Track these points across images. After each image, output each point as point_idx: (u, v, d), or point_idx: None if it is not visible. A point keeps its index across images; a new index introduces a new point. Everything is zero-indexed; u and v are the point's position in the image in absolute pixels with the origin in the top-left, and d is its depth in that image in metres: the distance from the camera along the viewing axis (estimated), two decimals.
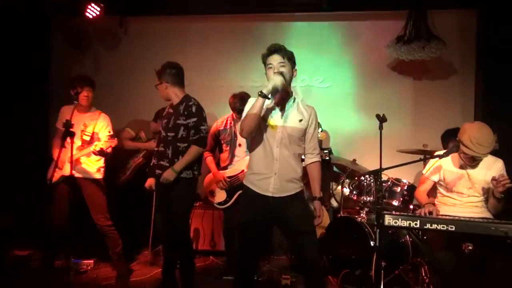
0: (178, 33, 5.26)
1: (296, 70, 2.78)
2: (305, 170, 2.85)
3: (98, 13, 4.79)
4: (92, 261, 4.10)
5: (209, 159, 4.04)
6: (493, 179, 2.99)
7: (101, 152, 3.64)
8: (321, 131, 4.41)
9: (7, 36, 4.68)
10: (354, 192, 4.15)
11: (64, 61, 5.20)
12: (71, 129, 3.26)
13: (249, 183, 2.78)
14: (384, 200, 3.91)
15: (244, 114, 2.72)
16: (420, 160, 3.26)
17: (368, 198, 4.02)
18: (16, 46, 4.75)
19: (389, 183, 4.00)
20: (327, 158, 4.51)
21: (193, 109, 3.33)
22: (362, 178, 4.09)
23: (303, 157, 2.87)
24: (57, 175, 3.66)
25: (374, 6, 4.94)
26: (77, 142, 3.72)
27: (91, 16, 4.78)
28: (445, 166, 3.26)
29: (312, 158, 2.84)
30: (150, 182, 3.53)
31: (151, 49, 5.15)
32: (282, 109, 2.74)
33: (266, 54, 2.74)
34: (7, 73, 4.67)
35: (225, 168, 4.04)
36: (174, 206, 3.34)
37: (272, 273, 3.94)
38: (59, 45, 5.30)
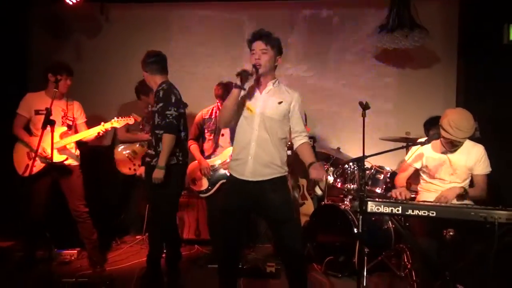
0: (160, 20, 5.18)
1: (280, 57, 2.76)
2: (290, 157, 2.85)
3: None
4: (75, 251, 4.07)
5: (193, 147, 4.02)
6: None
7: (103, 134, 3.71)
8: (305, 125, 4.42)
9: None
10: (338, 180, 4.18)
11: (44, 49, 5.08)
12: (52, 119, 3.21)
13: (231, 169, 2.80)
14: (367, 188, 3.95)
15: None
16: (402, 147, 3.29)
17: (352, 186, 4.05)
18: None
19: (372, 170, 4.04)
20: (312, 145, 4.52)
21: (160, 93, 3.26)
22: (346, 166, 4.12)
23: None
24: (38, 165, 3.60)
25: None
26: (61, 129, 3.70)
27: (71, 3, 4.65)
28: (427, 153, 3.30)
29: (300, 140, 2.82)
30: (141, 170, 3.52)
31: (132, 36, 5.07)
32: (262, 93, 2.74)
33: (250, 39, 2.73)
34: None
35: (209, 157, 4.02)
36: (159, 192, 3.31)
37: (257, 261, 3.95)
38: (38, 32, 5.17)
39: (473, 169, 3.20)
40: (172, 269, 3.43)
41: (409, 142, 3.78)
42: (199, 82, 5.01)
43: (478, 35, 4.57)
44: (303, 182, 4.65)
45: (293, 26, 5.12)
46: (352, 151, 4.64)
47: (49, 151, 3.33)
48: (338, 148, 4.52)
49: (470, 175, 3.23)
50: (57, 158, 3.66)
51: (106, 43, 5.18)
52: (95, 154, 4.56)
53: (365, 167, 3.63)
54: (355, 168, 4.04)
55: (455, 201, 3.08)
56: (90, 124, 3.94)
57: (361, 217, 2.79)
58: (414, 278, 3.46)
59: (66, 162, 3.73)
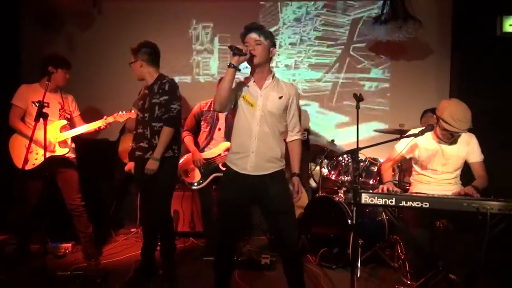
0: (153, 13, 5.12)
1: (275, 49, 2.77)
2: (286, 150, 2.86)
3: None
4: (70, 244, 4.07)
5: (187, 139, 4.02)
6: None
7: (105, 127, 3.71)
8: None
9: None
10: (332, 172, 4.19)
11: (36, 42, 5.03)
12: (49, 111, 3.18)
13: (229, 162, 2.79)
14: (361, 179, 3.97)
15: None
16: (396, 139, 3.30)
17: (346, 178, 4.07)
18: None
19: (366, 162, 4.05)
20: (305, 138, 4.54)
21: (166, 87, 3.27)
22: (340, 158, 4.13)
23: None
24: (39, 158, 3.58)
25: None
26: (61, 122, 3.71)
27: None
28: (421, 143, 3.32)
29: (293, 136, 2.85)
30: (129, 165, 3.51)
31: (125, 29, 5.02)
32: (261, 87, 2.73)
33: (243, 32, 2.72)
34: None
35: (202, 150, 4.02)
36: (155, 185, 3.31)
37: (251, 253, 3.97)
38: (30, 25, 5.11)
39: (468, 158, 3.23)
40: (167, 261, 3.44)
41: (402, 134, 3.80)
42: (193, 76, 4.98)
43: (471, 27, 4.58)
44: None
45: (286, 17, 5.09)
46: (346, 143, 4.66)
47: (53, 144, 3.37)
48: (332, 141, 4.54)
49: (462, 165, 3.27)
50: (60, 151, 3.67)
51: (98, 36, 5.13)
52: (90, 148, 4.54)
53: (359, 159, 3.66)
54: (349, 160, 4.05)
55: (448, 192, 3.10)
56: (83, 117, 3.94)
57: (355, 208, 2.82)
58: (408, 269, 3.51)
59: (66, 155, 3.73)
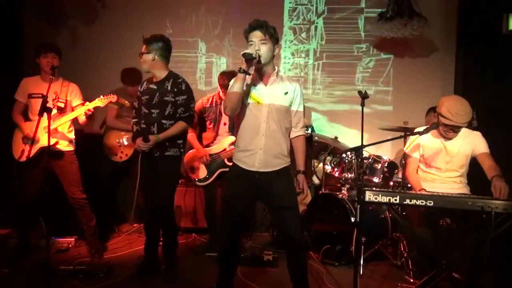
0: (158, 7, 5.11)
1: (278, 46, 2.76)
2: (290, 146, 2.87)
3: None
4: (73, 239, 4.07)
5: (191, 135, 4.00)
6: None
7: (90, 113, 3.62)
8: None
9: None
10: (336, 169, 4.18)
11: (39, 35, 4.99)
12: (47, 105, 3.15)
13: (237, 160, 2.79)
14: (365, 177, 3.97)
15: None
16: (400, 137, 3.29)
17: (349, 175, 4.06)
18: None
19: (370, 160, 4.04)
20: (309, 135, 4.52)
21: (183, 86, 3.28)
22: (344, 155, 4.12)
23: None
24: (32, 150, 3.56)
25: None
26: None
27: None
28: (424, 142, 3.31)
29: (297, 132, 2.85)
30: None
31: (129, 24, 5.00)
32: (267, 84, 2.73)
33: (247, 30, 2.71)
34: None
35: (208, 146, 4.02)
36: (161, 184, 3.31)
37: (254, 250, 3.97)
38: (34, 18, 5.10)
39: (474, 152, 3.19)
40: (169, 257, 3.44)
41: (407, 132, 3.79)
42: (198, 71, 4.97)
43: (477, 25, 4.54)
44: None
45: (294, 13, 5.08)
46: (349, 140, 4.65)
47: (43, 136, 3.27)
48: (336, 138, 4.52)
49: (467, 163, 3.25)
50: (46, 141, 3.57)
51: (102, 29, 5.12)
52: (91, 141, 4.54)
53: (363, 156, 3.65)
54: (353, 158, 4.04)
55: (453, 190, 3.09)
56: None
57: (358, 206, 2.81)
58: (411, 267, 3.51)
59: (58, 146, 3.66)
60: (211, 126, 4.01)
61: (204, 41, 5.16)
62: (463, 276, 3.09)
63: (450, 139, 3.21)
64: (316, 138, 4.68)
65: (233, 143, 3.84)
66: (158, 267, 3.48)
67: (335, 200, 3.90)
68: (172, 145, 3.29)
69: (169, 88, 3.27)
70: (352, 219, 3.68)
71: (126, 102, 3.96)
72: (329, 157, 4.30)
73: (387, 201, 2.78)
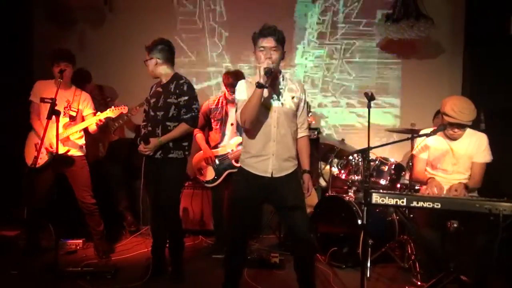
0: (165, 10, 5.14)
1: (285, 52, 2.76)
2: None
3: None
4: (81, 240, 4.09)
5: (199, 137, 4.02)
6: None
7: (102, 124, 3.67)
8: (310, 115, 4.38)
9: None
10: (343, 171, 4.17)
11: (48, 39, 5.05)
12: (56, 108, 3.19)
13: (247, 166, 2.78)
14: (372, 179, 3.95)
15: (237, 100, 2.74)
16: (408, 139, 3.28)
17: (356, 177, 4.04)
18: None
19: (376, 162, 4.03)
20: (316, 137, 4.52)
21: (185, 87, 3.28)
22: (350, 157, 4.11)
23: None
24: (43, 157, 3.61)
25: None
26: (63, 120, 3.66)
27: None
28: (431, 143, 3.30)
29: (301, 132, 2.87)
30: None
31: (137, 27, 5.03)
32: (274, 89, 2.73)
33: (258, 35, 2.67)
34: None
35: (216, 147, 4.03)
36: (165, 187, 3.31)
37: (261, 252, 3.97)
38: (42, 22, 5.15)
39: (473, 156, 3.20)
40: (176, 259, 3.45)
41: (414, 134, 3.77)
42: (206, 73, 5.00)
43: (484, 26, 4.52)
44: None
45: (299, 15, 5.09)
46: (356, 142, 4.64)
47: (54, 143, 3.32)
48: (343, 140, 4.52)
49: (471, 164, 3.23)
50: (60, 149, 3.63)
51: (109, 33, 5.15)
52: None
53: (370, 158, 3.64)
54: (360, 160, 4.03)
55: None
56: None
57: (365, 208, 2.80)
58: (418, 270, 3.48)
59: (70, 153, 3.73)
60: (218, 126, 4.02)
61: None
62: (471, 279, 3.06)
63: (456, 139, 3.20)
64: (323, 140, 4.68)
65: (240, 144, 3.85)
66: (165, 268, 3.48)
67: (342, 202, 3.89)
68: (176, 147, 3.29)
69: (172, 89, 3.28)
70: (359, 222, 3.66)
71: (135, 109, 3.95)
72: (336, 159, 4.30)
73: (394, 203, 2.77)
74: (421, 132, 3.35)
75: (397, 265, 3.72)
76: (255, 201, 2.80)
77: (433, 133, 3.07)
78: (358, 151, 3.73)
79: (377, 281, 3.53)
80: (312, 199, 4.55)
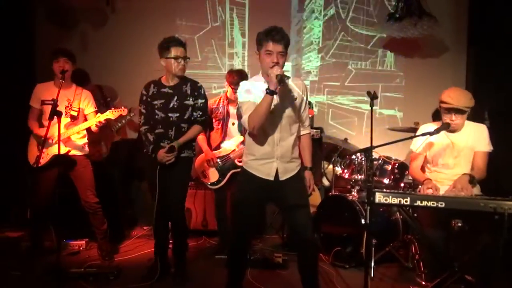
0: (167, 10, 5.14)
1: (287, 54, 2.73)
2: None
3: None
4: (84, 241, 4.10)
5: (201, 138, 4.00)
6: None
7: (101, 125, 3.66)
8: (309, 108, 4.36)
9: None
10: (346, 170, 4.16)
11: (50, 40, 5.06)
12: (57, 109, 3.19)
13: (250, 168, 2.77)
14: (375, 178, 3.93)
15: (240, 103, 2.71)
16: (411, 138, 3.26)
17: (359, 177, 4.03)
18: None
19: (380, 161, 4.01)
20: (319, 137, 4.50)
21: (202, 91, 3.36)
22: (353, 156, 4.10)
23: None
24: (46, 157, 3.61)
25: None
26: (64, 120, 3.63)
27: None
28: (431, 138, 3.26)
29: (303, 130, 2.88)
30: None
31: (139, 28, 5.04)
32: (279, 93, 2.68)
33: (265, 38, 2.60)
34: None
35: (218, 147, 4.02)
36: (176, 186, 3.31)
37: (264, 252, 3.96)
38: (44, 23, 5.16)
39: (475, 146, 3.18)
40: (179, 260, 3.45)
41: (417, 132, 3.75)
42: (208, 74, 5.01)
43: (487, 24, 4.50)
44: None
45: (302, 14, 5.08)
46: (359, 141, 4.61)
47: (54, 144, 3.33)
48: (346, 139, 4.50)
49: (472, 158, 3.21)
50: (62, 150, 3.62)
51: (112, 34, 5.16)
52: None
53: (373, 157, 3.62)
54: (363, 159, 4.01)
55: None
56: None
57: (369, 208, 2.78)
58: (422, 269, 3.47)
59: (71, 153, 3.72)
60: (219, 126, 4.01)
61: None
62: (475, 278, 3.04)
63: (455, 131, 3.18)
64: (325, 139, 4.67)
65: (242, 143, 3.85)
66: (168, 269, 3.48)
67: (345, 202, 3.88)
68: (187, 146, 3.33)
69: (188, 92, 3.29)
70: (362, 221, 3.65)
71: (136, 109, 3.93)
72: (338, 159, 4.28)
73: (398, 202, 2.75)
74: (422, 127, 3.34)
75: (401, 265, 3.70)
76: (259, 202, 2.79)
77: (436, 131, 3.05)
78: (361, 150, 3.71)
79: (380, 281, 3.51)
80: (315, 198, 4.54)
